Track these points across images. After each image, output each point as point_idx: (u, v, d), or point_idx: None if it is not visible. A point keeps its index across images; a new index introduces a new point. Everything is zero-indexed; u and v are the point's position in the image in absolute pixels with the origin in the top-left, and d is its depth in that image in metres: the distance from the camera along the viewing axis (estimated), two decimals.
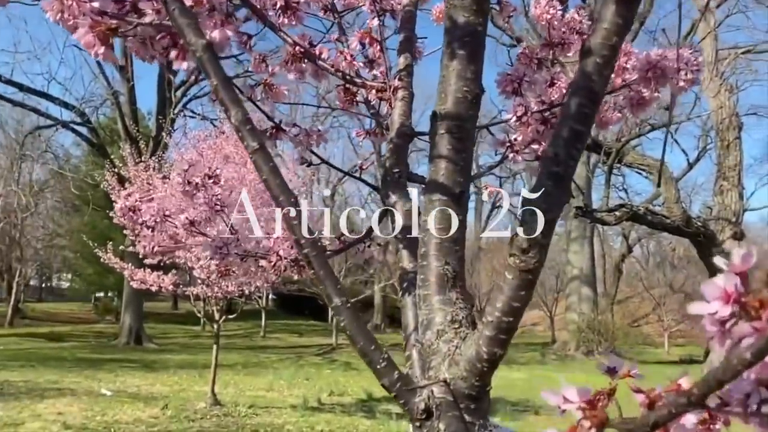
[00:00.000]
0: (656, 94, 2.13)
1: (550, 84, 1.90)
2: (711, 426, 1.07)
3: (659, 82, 2.05)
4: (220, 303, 10.49)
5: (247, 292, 10.85)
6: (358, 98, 2.01)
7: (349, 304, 1.14)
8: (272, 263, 1.93)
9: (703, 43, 15.47)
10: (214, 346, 10.38)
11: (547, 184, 1.05)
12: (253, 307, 23.38)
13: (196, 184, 2.08)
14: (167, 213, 2.26)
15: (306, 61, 1.84)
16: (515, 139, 1.95)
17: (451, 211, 1.24)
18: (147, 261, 10.48)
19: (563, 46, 1.80)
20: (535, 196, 1.06)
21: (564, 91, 1.81)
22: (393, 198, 1.61)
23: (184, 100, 22.79)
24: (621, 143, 14.28)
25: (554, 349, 24.77)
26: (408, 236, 1.51)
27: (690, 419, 0.82)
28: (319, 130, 1.67)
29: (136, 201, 2.36)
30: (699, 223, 13.52)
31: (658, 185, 13.59)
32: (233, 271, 2.15)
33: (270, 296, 26.64)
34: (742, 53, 19.20)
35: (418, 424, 1.15)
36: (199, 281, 10.11)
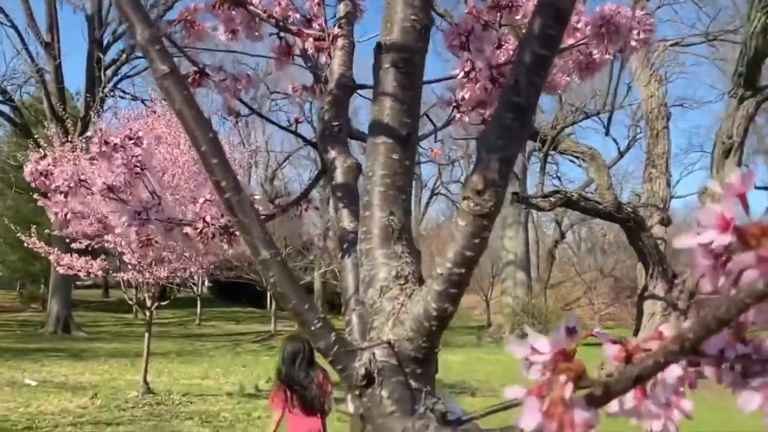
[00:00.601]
0: (606, 56, 2.04)
1: (497, 46, 1.79)
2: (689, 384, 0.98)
3: (612, 39, 1.95)
4: (152, 289, 10.10)
5: (180, 278, 10.50)
6: (294, 51, 1.85)
7: (279, 258, 0.99)
8: (198, 230, 1.75)
9: None
10: (146, 334, 10.00)
11: (506, 116, 0.92)
12: (188, 295, 22.80)
13: (115, 144, 1.88)
14: (83, 177, 2.05)
15: (236, 6, 1.67)
16: (462, 98, 1.83)
17: (397, 155, 1.10)
18: (74, 246, 9.99)
19: (511, 9, 1.69)
20: (491, 130, 0.93)
21: (512, 53, 1.71)
22: (332, 153, 1.46)
23: (115, 79, 21.84)
24: (556, 130, 14.50)
25: (490, 333, 25.17)
26: (348, 194, 1.37)
27: (673, 372, 0.71)
28: (248, 75, 1.50)
29: (49, 165, 2.12)
30: (629, 209, 13.87)
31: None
32: (156, 242, 1.95)
33: (206, 283, 26.04)
34: (671, 45, 19.78)
35: (357, 392, 1.01)
36: (130, 266, 9.70)
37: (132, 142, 1.89)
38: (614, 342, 0.75)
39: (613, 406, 0.76)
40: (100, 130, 1.89)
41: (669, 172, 15.83)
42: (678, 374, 0.69)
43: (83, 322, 21.50)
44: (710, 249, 0.65)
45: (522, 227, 22.88)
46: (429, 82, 1.77)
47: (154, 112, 10.36)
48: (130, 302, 11.26)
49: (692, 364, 1.03)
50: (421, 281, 1.07)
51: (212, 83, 1.50)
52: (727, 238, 0.63)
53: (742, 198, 0.64)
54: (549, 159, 20.55)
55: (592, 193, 14.64)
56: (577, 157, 17.33)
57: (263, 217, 1.73)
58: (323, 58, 1.78)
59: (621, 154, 25.10)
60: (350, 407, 1.05)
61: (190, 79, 1.52)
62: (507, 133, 0.92)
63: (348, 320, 1.20)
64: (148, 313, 10.08)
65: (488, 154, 0.92)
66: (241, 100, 1.55)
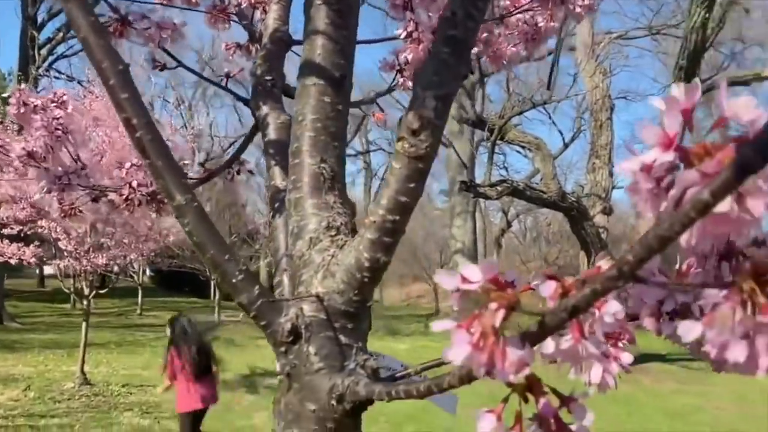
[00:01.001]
0: (552, 24, 2.01)
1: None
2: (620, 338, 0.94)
3: (556, 3, 1.92)
4: (90, 278, 9.73)
5: (120, 266, 10.17)
6: (230, 9, 1.75)
7: (195, 203, 0.91)
8: (124, 197, 1.65)
9: (580, 25, 16.11)
10: (84, 324, 9.64)
11: (443, 51, 0.86)
12: (129, 284, 22.18)
13: (35, 106, 1.75)
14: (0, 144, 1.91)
15: None
16: (405, 61, 1.77)
17: (329, 98, 1.03)
18: (5, 231, 9.54)
19: None
20: (428, 66, 0.87)
21: None
22: (264, 109, 1.38)
23: (50, 59, 20.99)
24: (503, 120, 14.65)
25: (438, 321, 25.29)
26: (281, 152, 1.29)
27: (612, 308, 0.67)
28: (173, 23, 1.40)
29: None
30: (573, 199, 14.16)
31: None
32: (80, 211, 1.83)
33: (147, 272, 25.40)
34: (615, 38, 20.23)
35: (283, 349, 0.94)
36: (66, 253, 9.33)
37: (54, 104, 1.77)
38: (550, 278, 0.70)
39: (549, 346, 0.71)
40: (19, 90, 1.76)
41: (612, 163, 16.20)
42: (617, 309, 0.65)
43: (17, 312, 20.66)
44: (652, 172, 0.61)
45: (470, 216, 23.07)
46: (368, 42, 1.71)
47: (92, 92, 9.95)
48: (67, 291, 10.85)
49: (632, 319, 1.00)
50: (354, 233, 1.00)
51: (135, 32, 1.39)
52: (670, 156, 0.58)
53: (686, 115, 0.59)
54: (497, 149, 20.78)
55: (537, 183, 14.87)
56: (523, 147, 17.58)
57: (194, 181, 1.63)
58: (259, 14, 1.69)
59: (566, 145, 25.60)
60: (277, 366, 0.98)
61: (111, 28, 1.41)
62: (443, 69, 0.87)
63: (278, 281, 1.13)
64: (86, 303, 9.73)
65: (424, 91, 0.86)
66: (166, 51, 1.45)
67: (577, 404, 0.68)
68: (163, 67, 1.51)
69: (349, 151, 23.44)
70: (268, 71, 1.42)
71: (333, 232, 0.97)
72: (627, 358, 0.96)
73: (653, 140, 0.58)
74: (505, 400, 0.68)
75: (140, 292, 22.93)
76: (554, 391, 0.68)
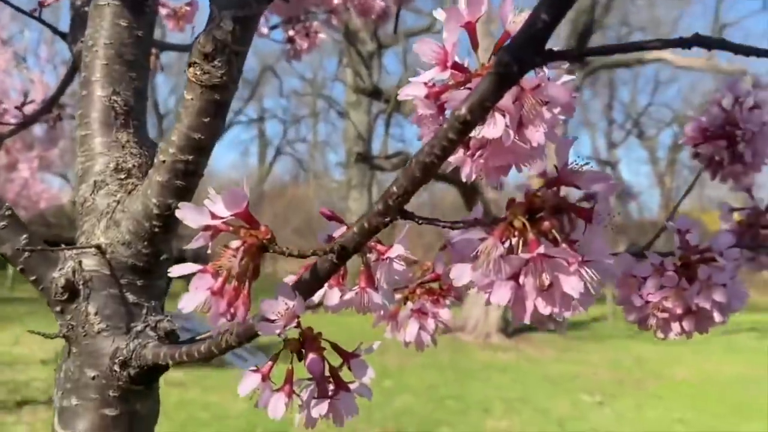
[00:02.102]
0: None
1: None
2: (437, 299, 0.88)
3: None
4: None
5: None
6: None
7: None
8: None
9: None
10: None
11: None
12: None
13: None
14: None
15: None
16: None
17: (126, 22, 0.90)
18: None
19: None
20: None
21: None
22: (82, 45, 1.21)
23: None
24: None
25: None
26: None
27: (396, 251, 0.60)
28: None
29: None
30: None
31: None
32: None
33: None
34: None
35: (59, 308, 0.81)
36: None
37: None
38: (332, 218, 0.62)
39: (333, 296, 0.63)
40: None
41: None
42: (400, 252, 0.58)
43: None
44: (433, 95, 0.53)
45: (366, 189, 23.16)
46: None
47: None
48: None
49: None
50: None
51: None
52: (446, 75, 0.51)
53: (470, 29, 0.52)
54: (395, 122, 20.85)
55: None
56: None
57: (10, 127, 1.44)
58: None
59: None
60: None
61: None
62: None
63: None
64: None
65: (221, 10, 0.75)
66: None
67: (357, 360, 0.60)
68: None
69: (242, 118, 22.79)
70: (88, 2, 1.26)
71: (122, 175, 0.85)
72: (446, 314, 0.91)
73: (429, 56, 0.50)
74: (275, 357, 0.60)
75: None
76: (335, 347, 0.60)
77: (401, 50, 16.57)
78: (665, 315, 0.76)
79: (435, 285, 0.92)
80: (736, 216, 1.01)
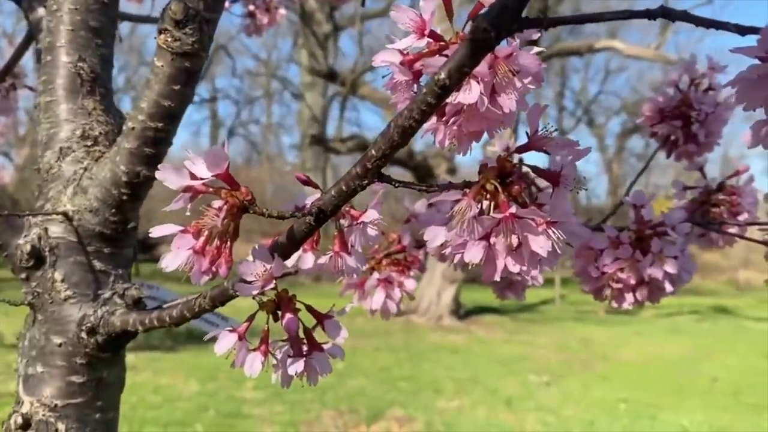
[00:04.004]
0: None
1: None
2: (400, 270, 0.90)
3: None
4: None
5: None
6: None
7: None
8: None
9: None
10: None
11: None
12: None
13: None
14: None
15: None
16: None
17: None
18: None
19: None
20: None
21: None
22: (39, 12, 1.18)
23: None
24: (355, 74, 14.61)
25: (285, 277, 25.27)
26: None
27: (371, 216, 0.61)
28: None
29: None
30: (420, 158, 14.52)
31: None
32: None
33: None
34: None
35: (24, 275, 0.81)
36: None
37: None
38: (308, 182, 0.63)
39: (307, 260, 0.65)
40: None
41: None
42: (375, 217, 0.59)
43: None
44: (408, 62, 0.55)
45: (321, 172, 23.07)
46: None
47: None
48: None
49: (419, 246, 0.96)
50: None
51: None
52: (423, 43, 0.53)
53: (446, 1, 0.54)
54: (350, 106, 20.78)
55: None
56: (376, 105, 17.72)
57: None
58: None
59: None
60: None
61: None
62: None
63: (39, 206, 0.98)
64: None
65: None
66: None
67: (331, 321, 0.62)
68: None
69: (194, 98, 22.33)
70: None
71: (89, 142, 0.84)
72: (411, 284, 0.94)
73: (406, 24, 0.52)
74: (251, 318, 0.61)
75: None
76: (309, 309, 0.62)
77: (357, 33, 16.46)
78: (619, 285, 0.81)
79: (400, 256, 0.95)
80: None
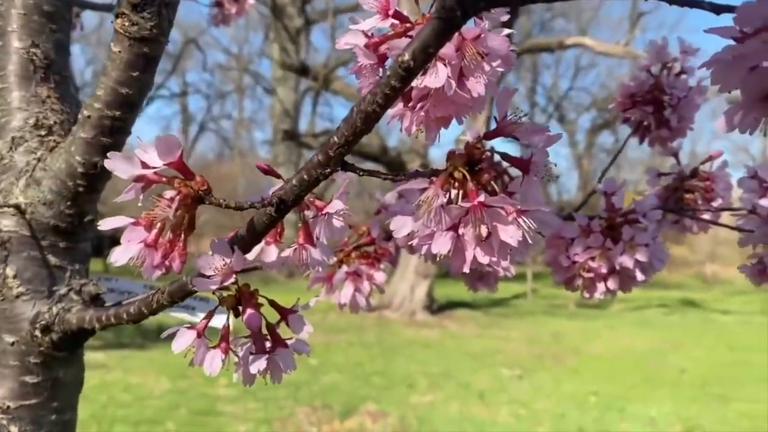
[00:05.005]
0: None
1: None
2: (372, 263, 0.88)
3: None
4: None
5: None
6: None
7: None
8: None
9: None
10: None
11: None
12: None
13: None
14: None
15: None
16: None
17: None
18: None
19: None
20: None
21: None
22: None
23: None
24: (328, 69, 14.55)
25: (256, 273, 25.12)
26: None
27: (335, 207, 0.59)
28: None
29: None
30: (393, 154, 14.51)
31: None
32: None
33: None
34: None
35: None
36: None
37: None
38: (269, 171, 0.61)
39: (271, 253, 0.62)
40: None
41: None
42: (340, 208, 0.57)
43: None
44: (373, 45, 0.53)
45: (294, 167, 22.96)
46: None
47: None
48: None
49: (389, 238, 0.94)
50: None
51: None
52: (387, 23, 0.51)
53: None
54: (323, 100, 20.68)
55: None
56: (349, 100, 17.66)
57: None
58: None
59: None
60: None
61: None
62: None
63: None
64: None
65: None
66: None
67: (295, 316, 0.59)
68: None
69: (164, 92, 22.02)
70: None
71: (43, 132, 0.80)
72: (380, 277, 0.92)
73: (370, 5, 0.50)
74: (211, 314, 0.59)
75: None
76: (272, 303, 0.59)
77: (329, 27, 16.37)
78: (591, 275, 0.80)
79: (370, 249, 0.92)
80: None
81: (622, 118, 1.00)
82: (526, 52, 13.88)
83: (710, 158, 1.07)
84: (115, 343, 6.87)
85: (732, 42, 0.41)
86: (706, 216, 1.00)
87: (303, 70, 14.20)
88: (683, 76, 0.98)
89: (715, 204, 1.03)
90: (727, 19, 0.40)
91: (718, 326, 10.82)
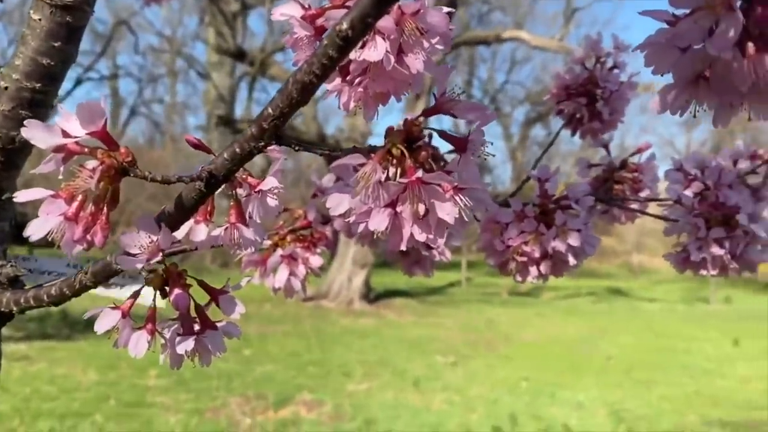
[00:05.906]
0: None
1: None
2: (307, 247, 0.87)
3: None
4: None
5: None
6: None
7: None
8: None
9: None
10: None
11: None
12: None
13: None
14: None
15: None
16: None
17: None
18: None
19: None
20: None
21: None
22: None
23: None
24: (265, 54, 14.32)
25: (187, 261, 24.65)
26: None
27: (269, 184, 0.58)
28: None
29: None
30: (331, 141, 14.44)
31: None
32: None
33: None
34: None
35: None
36: None
37: None
38: (199, 145, 0.58)
39: (200, 232, 0.60)
40: None
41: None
42: (274, 185, 0.55)
43: None
44: (310, 17, 0.52)
45: None
46: None
47: None
48: None
49: (326, 222, 0.93)
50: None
51: None
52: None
53: None
54: (260, 86, 20.34)
55: (298, 124, 14.89)
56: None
57: None
58: None
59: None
60: None
61: None
62: None
63: None
64: None
65: None
66: None
67: (226, 297, 0.58)
68: None
69: (93, 75, 21.17)
70: None
71: None
72: (316, 261, 0.90)
73: None
74: (135, 295, 0.56)
75: None
76: (202, 284, 0.57)
77: (267, 11, 16.08)
78: (524, 259, 0.81)
79: (306, 232, 0.91)
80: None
81: (556, 110, 1.02)
82: (464, 44, 14.03)
83: (639, 150, 1.10)
84: (39, 333, 6.60)
85: (665, 25, 0.42)
86: (635, 206, 1.03)
87: (239, 55, 13.93)
88: (615, 71, 1.00)
89: (642, 194, 1.06)
90: (662, 3, 0.40)
91: (644, 314, 11.29)
